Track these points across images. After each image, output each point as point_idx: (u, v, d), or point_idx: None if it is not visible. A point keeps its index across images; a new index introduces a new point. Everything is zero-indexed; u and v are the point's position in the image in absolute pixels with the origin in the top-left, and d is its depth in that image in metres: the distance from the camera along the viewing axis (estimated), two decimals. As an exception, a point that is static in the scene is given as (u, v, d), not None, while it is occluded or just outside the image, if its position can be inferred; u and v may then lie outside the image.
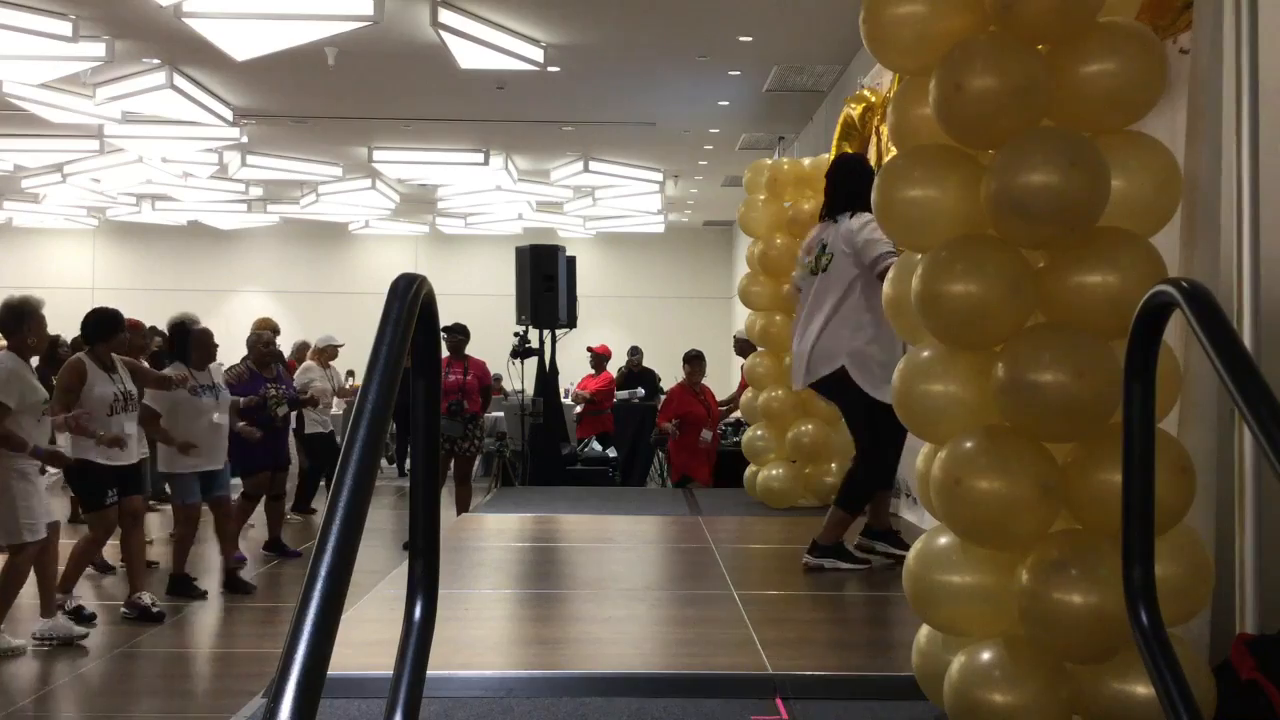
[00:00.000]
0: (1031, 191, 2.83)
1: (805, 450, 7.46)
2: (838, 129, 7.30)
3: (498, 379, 12.95)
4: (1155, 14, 3.34)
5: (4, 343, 6.85)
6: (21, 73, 10.71)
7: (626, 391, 13.55)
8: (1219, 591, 2.97)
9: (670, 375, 12.13)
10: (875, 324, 5.12)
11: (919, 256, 3.08)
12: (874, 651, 4.02)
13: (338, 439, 11.62)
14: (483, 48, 9.68)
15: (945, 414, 3.03)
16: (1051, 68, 2.93)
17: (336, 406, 15.26)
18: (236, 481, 9.06)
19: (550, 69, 10.42)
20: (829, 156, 7.20)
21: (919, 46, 3.10)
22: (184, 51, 10.34)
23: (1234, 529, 3.11)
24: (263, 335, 9.66)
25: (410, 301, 1.94)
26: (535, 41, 10.03)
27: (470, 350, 10.31)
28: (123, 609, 7.09)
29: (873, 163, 6.79)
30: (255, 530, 10.54)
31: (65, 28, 9.37)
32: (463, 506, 9.48)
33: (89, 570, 7.98)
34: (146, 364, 8.17)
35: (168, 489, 8.58)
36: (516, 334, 11.12)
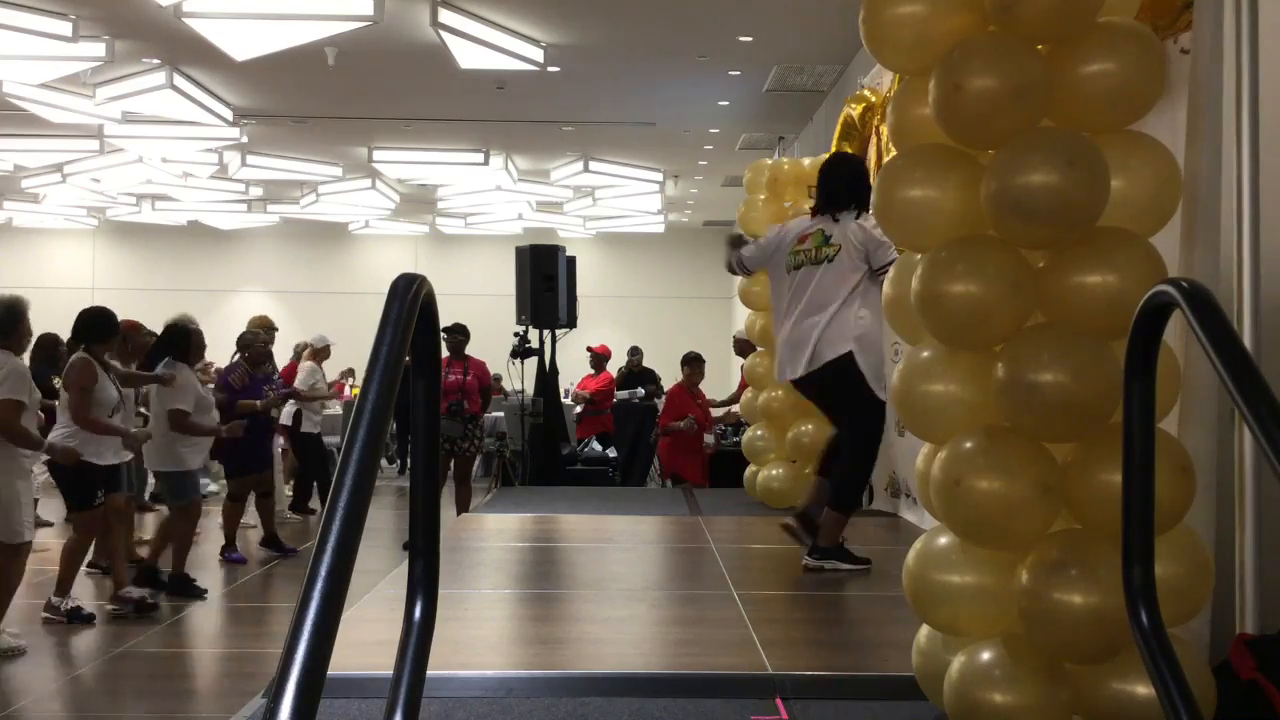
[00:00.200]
0: (1031, 191, 2.83)
1: (805, 450, 7.45)
2: (838, 129, 7.30)
3: (497, 379, 12.95)
4: (1155, 14, 3.34)
5: None
6: (21, 73, 10.71)
7: (626, 391, 13.55)
8: (1219, 591, 2.97)
9: (670, 376, 12.13)
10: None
11: (919, 256, 3.08)
12: (874, 651, 4.02)
13: (324, 440, 11.68)
14: (483, 48, 9.68)
15: (945, 414, 3.03)
16: (1051, 68, 2.93)
17: (335, 407, 15.28)
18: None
19: (550, 69, 10.41)
20: (829, 157, 7.20)
21: (918, 47, 3.10)
22: (184, 51, 10.34)
23: (1234, 529, 3.11)
24: (259, 334, 9.68)
25: (410, 301, 1.94)
26: (535, 41, 10.03)
27: (470, 350, 10.31)
28: (110, 606, 7.06)
29: (872, 163, 6.80)
30: (255, 530, 10.54)
31: (65, 28, 9.37)
32: (463, 506, 9.48)
33: (87, 570, 7.99)
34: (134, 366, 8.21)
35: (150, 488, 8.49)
36: (516, 334, 11.12)
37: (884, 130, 6.54)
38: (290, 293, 21.67)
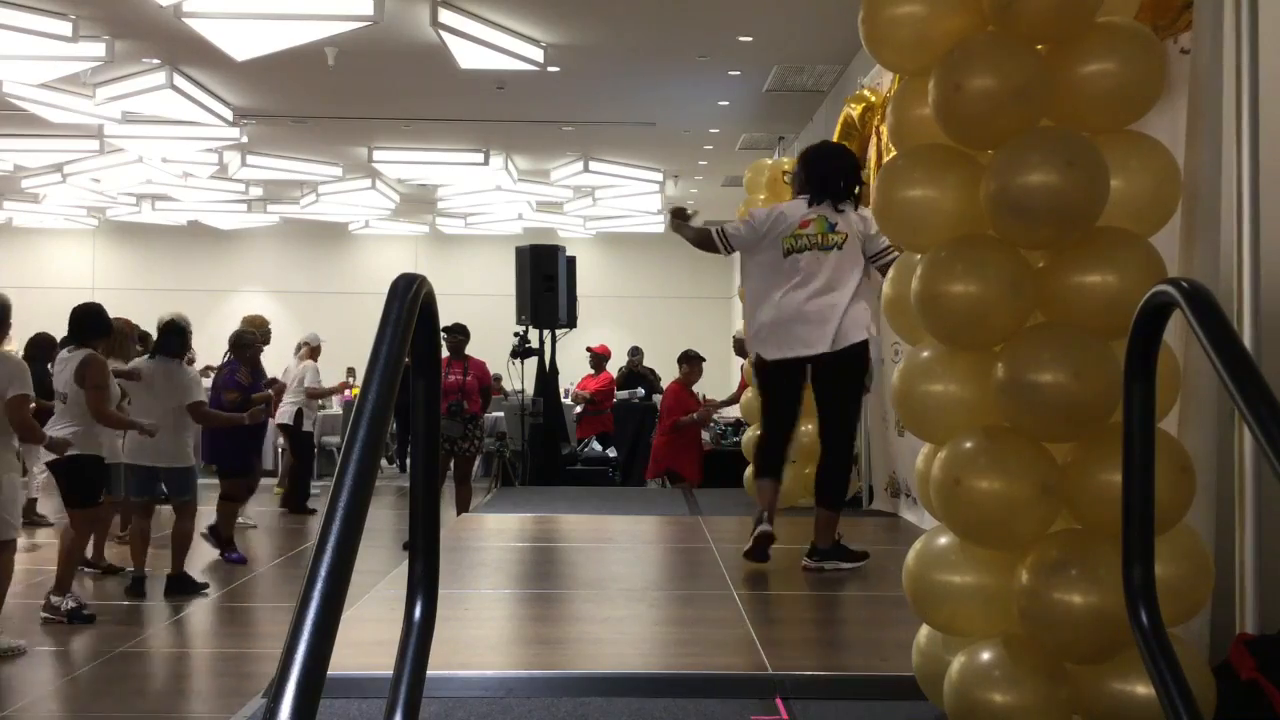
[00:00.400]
0: (1030, 191, 2.83)
1: (805, 450, 7.45)
2: (838, 129, 7.29)
3: (497, 379, 12.97)
4: (1155, 14, 3.34)
5: None
6: (21, 73, 10.70)
7: (626, 391, 13.56)
8: (1219, 591, 2.97)
9: (670, 376, 12.13)
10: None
11: (918, 257, 3.08)
12: (874, 651, 4.02)
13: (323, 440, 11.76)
14: (483, 48, 9.68)
15: (945, 414, 3.03)
16: (1051, 68, 2.93)
17: (335, 406, 15.32)
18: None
19: (550, 69, 10.41)
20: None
21: (918, 47, 3.10)
22: (184, 51, 10.34)
23: (1234, 529, 3.11)
24: (254, 334, 9.70)
25: (410, 301, 1.94)
26: (535, 41, 10.03)
27: (470, 350, 10.32)
28: (45, 613, 6.85)
29: (872, 163, 6.79)
30: (254, 530, 10.55)
31: (65, 28, 9.37)
32: (463, 506, 9.48)
33: (87, 570, 7.99)
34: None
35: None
36: (516, 334, 11.12)
37: (884, 130, 6.54)
38: (290, 293, 21.67)
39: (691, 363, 10.72)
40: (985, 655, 2.87)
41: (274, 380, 11.39)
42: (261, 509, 11.53)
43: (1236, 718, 2.81)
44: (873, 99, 6.91)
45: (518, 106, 12.41)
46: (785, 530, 5.68)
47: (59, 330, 9.44)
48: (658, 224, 20.23)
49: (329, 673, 1.42)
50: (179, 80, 11.09)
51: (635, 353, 15.00)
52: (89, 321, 7.17)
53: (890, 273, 3.38)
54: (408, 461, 11.38)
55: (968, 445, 2.90)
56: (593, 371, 13.72)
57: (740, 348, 9.66)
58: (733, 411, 10.94)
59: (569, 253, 11.32)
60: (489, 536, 6.62)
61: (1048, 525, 2.87)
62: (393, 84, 11.67)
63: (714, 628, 4.35)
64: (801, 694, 3.41)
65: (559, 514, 7.68)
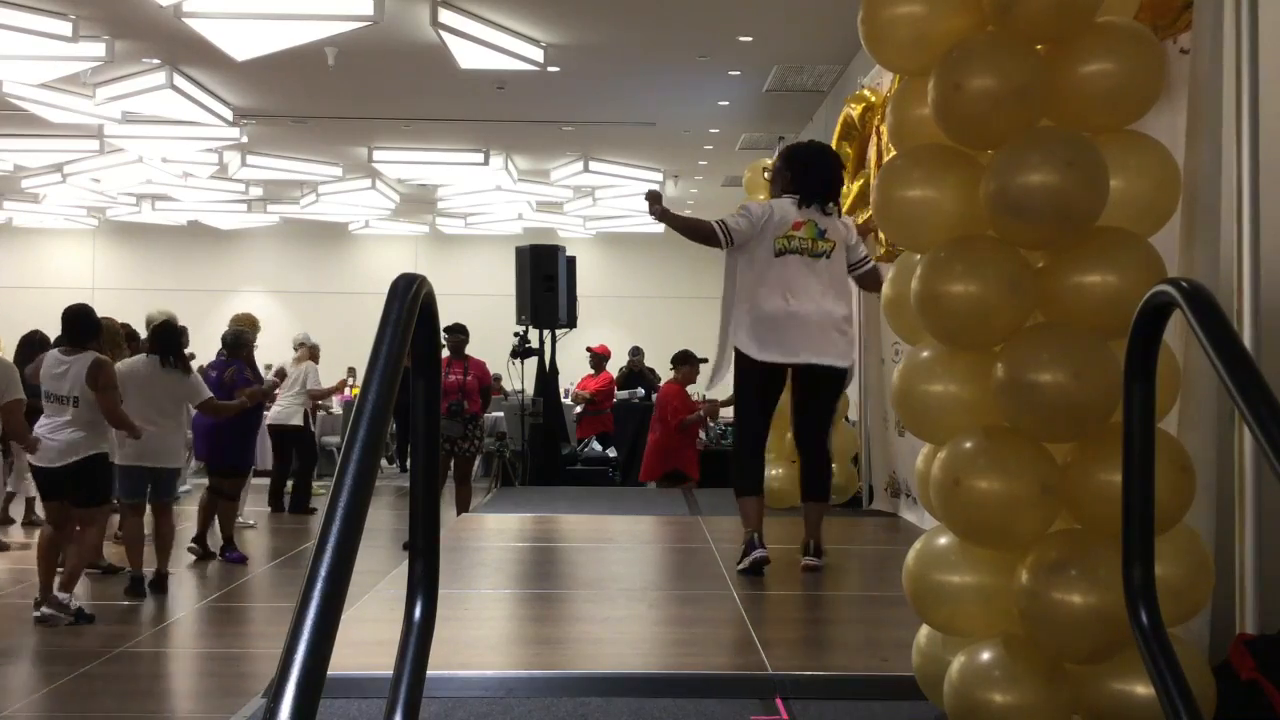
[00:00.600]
0: (1030, 191, 2.83)
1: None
2: (838, 129, 7.29)
3: (497, 379, 12.98)
4: (1155, 14, 3.34)
5: None
6: (21, 73, 10.72)
7: (626, 391, 13.56)
8: (1219, 591, 2.97)
9: (670, 376, 12.12)
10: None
11: (918, 257, 3.08)
12: (874, 651, 4.02)
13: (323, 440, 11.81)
14: (483, 48, 9.68)
15: (945, 414, 3.03)
16: (1050, 68, 2.93)
17: (335, 406, 15.33)
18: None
19: (550, 69, 10.42)
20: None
21: (917, 47, 3.10)
22: (184, 51, 10.35)
23: (1234, 529, 3.11)
24: (249, 334, 9.71)
25: (410, 301, 1.94)
26: (535, 41, 10.03)
27: (470, 350, 10.32)
28: (47, 610, 6.79)
29: (872, 163, 6.79)
30: (252, 530, 10.55)
31: (65, 28, 9.37)
32: (463, 506, 9.48)
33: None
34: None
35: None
36: (516, 334, 11.13)
37: (884, 130, 6.54)
38: (290, 293, 21.68)
39: (690, 364, 10.72)
40: (985, 655, 2.87)
41: (281, 370, 11.45)
42: (261, 509, 11.54)
43: (1236, 718, 2.81)
44: (873, 99, 6.91)
45: (518, 106, 12.41)
46: (785, 530, 5.68)
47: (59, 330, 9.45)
48: (658, 224, 20.24)
49: (329, 673, 1.42)
50: (179, 80, 11.10)
51: (636, 353, 15.00)
52: (83, 323, 7.17)
53: (890, 273, 3.38)
54: (408, 461, 11.40)
55: (968, 445, 2.90)
56: (593, 371, 13.72)
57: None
58: (730, 411, 10.95)
59: (569, 253, 11.32)
60: (489, 536, 6.62)
61: (1048, 525, 2.87)
62: (393, 84, 11.68)
63: (714, 628, 4.35)
64: (801, 694, 3.41)
65: (559, 514, 7.68)
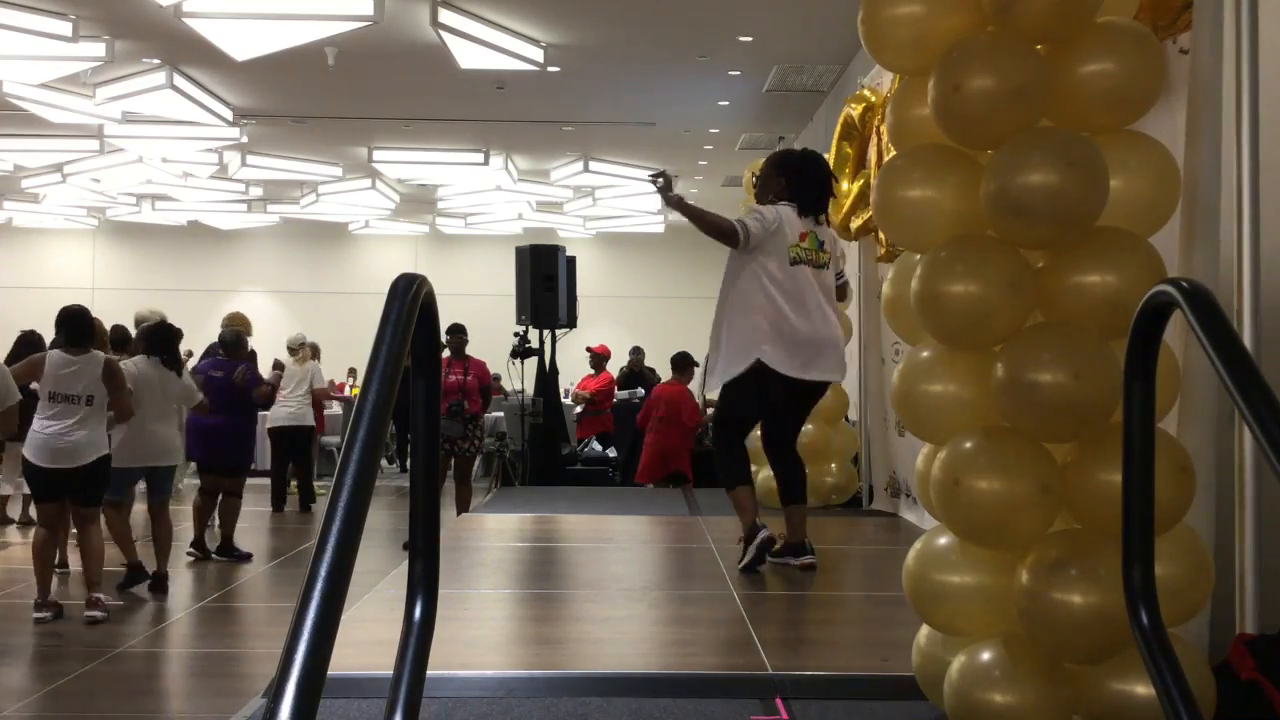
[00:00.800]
0: (1030, 191, 2.83)
1: (805, 450, 7.43)
2: (838, 129, 7.29)
3: (497, 379, 12.98)
4: (1155, 14, 3.34)
5: None
6: (21, 73, 10.71)
7: (626, 391, 13.56)
8: (1219, 591, 2.97)
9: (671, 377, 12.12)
10: None
11: (918, 257, 3.08)
12: (874, 651, 4.02)
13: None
14: (483, 48, 9.68)
15: (945, 414, 3.03)
16: (1050, 68, 2.93)
17: (335, 406, 15.35)
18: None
19: (550, 69, 10.42)
20: (829, 156, 7.19)
21: (917, 47, 3.10)
22: (184, 51, 10.34)
23: (1234, 529, 3.11)
24: (242, 334, 9.73)
25: (410, 301, 1.94)
26: (535, 41, 10.03)
27: (470, 350, 10.32)
28: (93, 613, 6.82)
29: (872, 163, 6.79)
30: (253, 532, 10.55)
31: (65, 28, 9.37)
32: (463, 506, 9.48)
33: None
34: None
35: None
36: (516, 334, 11.13)
37: (884, 130, 6.54)
38: (290, 293, 21.68)
39: (692, 366, 10.75)
40: (985, 655, 2.87)
41: (279, 364, 11.49)
42: (260, 509, 11.54)
43: (1236, 718, 2.81)
44: (873, 99, 6.91)
45: (518, 106, 12.41)
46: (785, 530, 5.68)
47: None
48: (658, 224, 20.22)
49: (329, 673, 1.42)
50: (179, 80, 11.10)
51: (636, 352, 15.00)
52: (85, 324, 7.19)
53: (890, 273, 3.39)
54: (408, 461, 11.42)
55: (968, 445, 2.90)
56: (593, 371, 13.72)
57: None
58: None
59: (569, 253, 11.32)
60: (489, 536, 6.62)
61: (1048, 525, 2.87)
62: (393, 84, 11.68)
63: (714, 628, 4.35)
64: (801, 694, 3.41)
65: (559, 514, 7.68)
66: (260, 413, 10.70)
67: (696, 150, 14.89)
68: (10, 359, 8.27)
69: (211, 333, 9.93)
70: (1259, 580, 3.06)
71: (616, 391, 13.59)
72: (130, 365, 7.74)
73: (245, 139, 14.00)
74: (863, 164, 6.99)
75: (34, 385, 7.20)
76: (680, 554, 6.28)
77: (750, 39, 9.95)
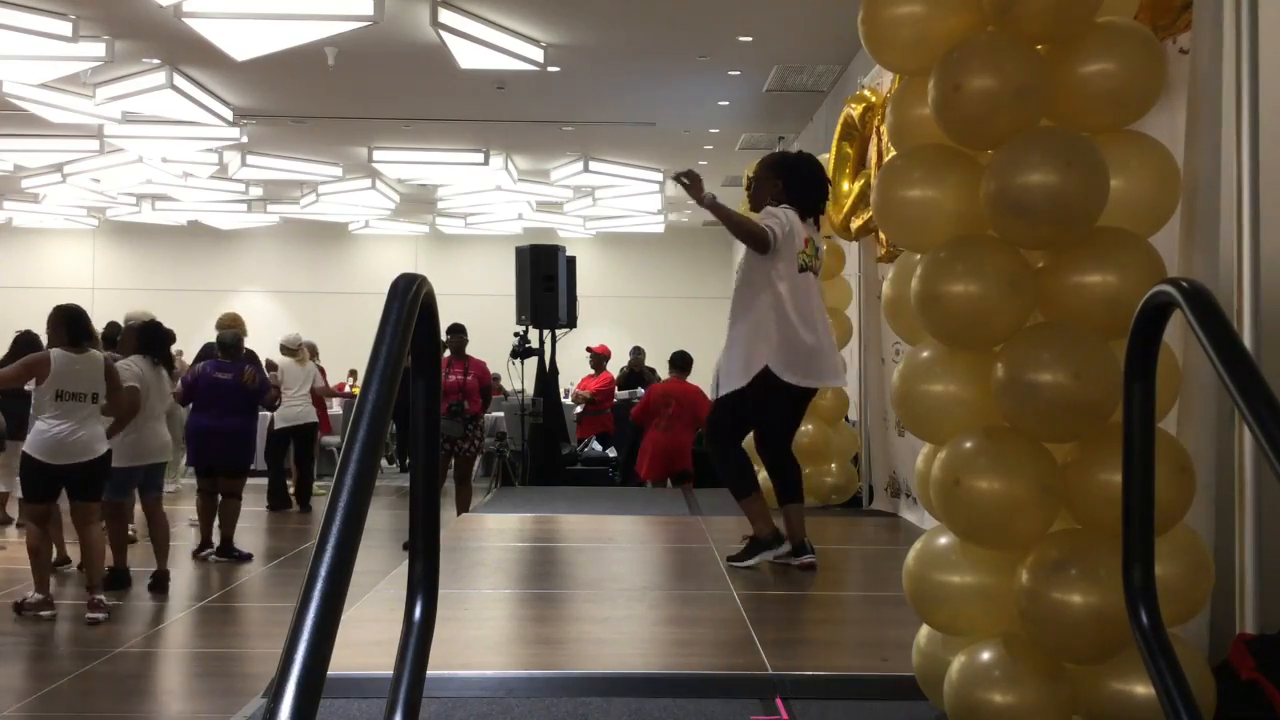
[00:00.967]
0: (1030, 191, 2.83)
1: (805, 450, 7.45)
2: (838, 129, 7.29)
3: (497, 379, 12.99)
4: (1155, 14, 3.34)
5: None
6: (21, 73, 10.71)
7: (627, 391, 13.55)
8: (1219, 591, 2.97)
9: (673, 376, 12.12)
10: None
11: (918, 257, 3.08)
12: (874, 651, 4.02)
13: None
14: (483, 48, 9.68)
15: (945, 414, 3.03)
16: (1050, 68, 2.93)
17: (334, 406, 15.37)
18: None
19: (550, 69, 10.42)
20: (829, 156, 7.20)
21: (917, 47, 3.10)
22: (184, 51, 10.35)
23: (1234, 529, 3.11)
24: (238, 334, 9.75)
25: (410, 301, 1.94)
26: (535, 41, 10.03)
27: (470, 350, 10.32)
28: (99, 615, 6.84)
29: (873, 163, 6.79)
30: (253, 533, 10.55)
31: (65, 28, 9.37)
32: (463, 507, 9.48)
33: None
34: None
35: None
36: (516, 334, 11.13)
37: (884, 130, 6.54)
38: (290, 293, 21.68)
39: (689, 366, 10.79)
40: (985, 655, 2.87)
41: (272, 366, 11.52)
42: (260, 509, 11.54)
43: (1236, 718, 2.81)
44: (873, 99, 6.91)
45: (518, 106, 12.41)
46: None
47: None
48: (658, 224, 20.23)
49: (329, 673, 1.42)
50: (179, 80, 11.10)
51: (637, 352, 14.99)
52: (86, 323, 7.25)
53: (890, 273, 3.39)
54: (408, 461, 11.41)
55: (968, 445, 2.90)
56: (593, 371, 13.72)
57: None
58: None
59: (569, 253, 11.32)
60: (489, 536, 6.62)
61: (1048, 525, 2.87)
62: (393, 84, 11.68)
63: (714, 628, 4.35)
64: (801, 694, 3.41)
65: (559, 514, 7.68)
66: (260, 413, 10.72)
67: (696, 150, 14.89)
68: (7, 359, 8.29)
69: (211, 333, 9.92)
70: (1259, 580, 3.06)
71: (617, 391, 13.58)
72: (132, 365, 7.77)
73: (245, 139, 14.00)
74: (863, 164, 6.99)
75: (28, 386, 7.23)
76: (680, 554, 6.28)
77: (750, 39, 9.95)
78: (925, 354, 3.11)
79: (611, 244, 21.62)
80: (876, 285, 6.97)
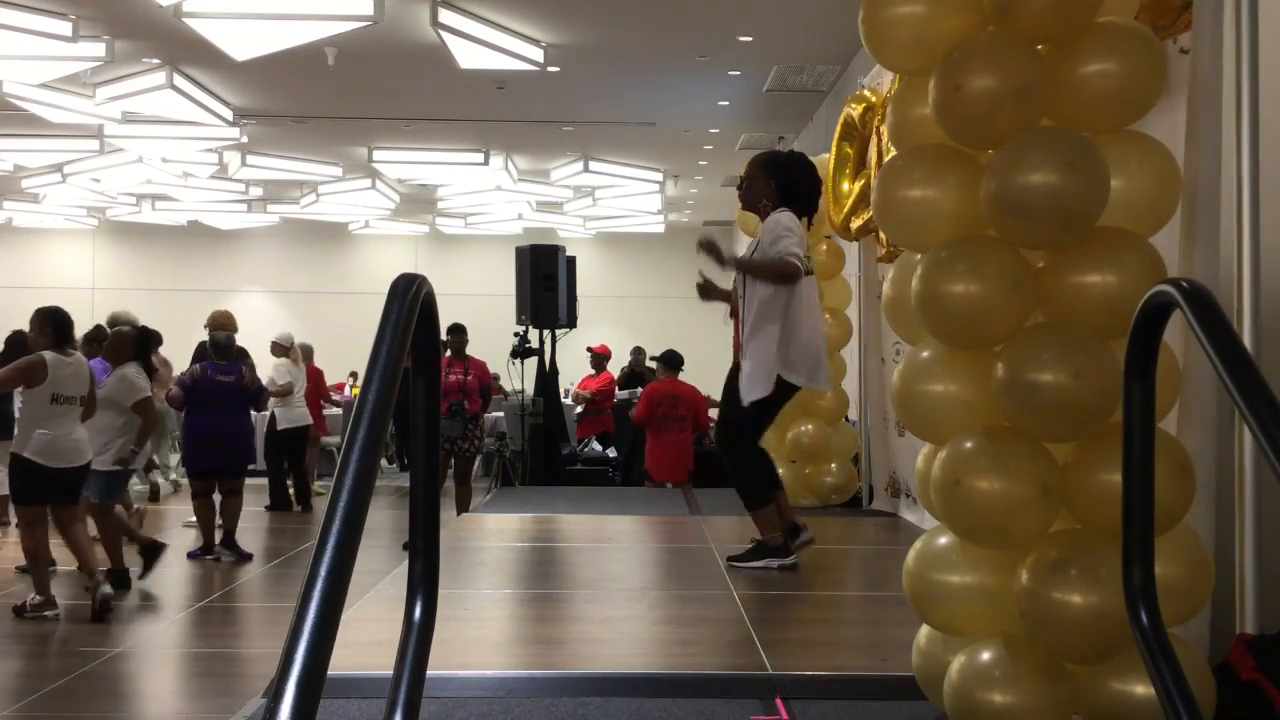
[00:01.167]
0: (1030, 191, 2.83)
1: (805, 450, 7.46)
2: (838, 129, 7.29)
3: (497, 379, 13.00)
4: (1155, 14, 3.34)
5: None
6: (21, 73, 10.71)
7: (627, 391, 13.55)
8: (1219, 591, 2.97)
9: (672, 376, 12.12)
10: None
11: (919, 256, 3.08)
12: (874, 651, 4.02)
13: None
14: (483, 48, 9.68)
15: (945, 414, 3.03)
16: (1051, 68, 2.93)
17: (335, 406, 15.37)
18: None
19: (550, 69, 10.42)
20: (829, 156, 7.20)
21: (918, 47, 3.10)
22: (184, 51, 10.34)
23: (1234, 529, 3.11)
24: (232, 334, 9.77)
25: (410, 301, 1.94)
26: (535, 41, 10.03)
27: (470, 350, 10.32)
28: (108, 589, 6.96)
29: (873, 163, 6.79)
30: (253, 533, 10.54)
31: (65, 28, 9.37)
32: (463, 507, 9.48)
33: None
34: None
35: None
36: (516, 334, 11.13)
37: (884, 130, 6.54)
38: (290, 293, 21.68)
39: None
40: (985, 655, 2.87)
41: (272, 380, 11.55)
42: (259, 509, 11.54)
43: (1236, 718, 2.81)
44: (873, 99, 6.91)
45: (518, 106, 12.41)
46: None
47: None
48: (658, 224, 20.23)
49: (329, 673, 1.42)
50: (179, 80, 11.10)
51: (638, 353, 14.99)
52: (70, 325, 7.29)
53: (890, 273, 3.39)
54: (406, 461, 11.42)
55: (968, 445, 2.90)
56: (593, 371, 13.72)
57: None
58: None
59: (569, 253, 11.32)
60: (489, 536, 6.62)
61: (1048, 525, 2.87)
62: (393, 84, 11.68)
63: (714, 628, 4.35)
64: (801, 694, 3.41)
65: (559, 514, 7.68)
66: (258, 413, 10.74)
67: (696, 150, 14.89)
68: (2, 360, 8.30)
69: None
70: (1259, 580, 3.05)
71: (617, 391, 13.58)
72: (141, 375, 7.88)
73: (245, 139, 14.00)
74: (863, 164, 6.99)
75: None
76: (680, 554, 6.28)
77: (750, 39, 9.95)
78: (925, 354, 3.11)
79: (611, 244, 21.62)
80: (876, 285, 6.97)
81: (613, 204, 18.08)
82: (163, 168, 15.32)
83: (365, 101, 12.48)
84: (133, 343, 8.14)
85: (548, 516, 7.56)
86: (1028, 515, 2.84)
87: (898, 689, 3.36)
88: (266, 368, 12.55)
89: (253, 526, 10.58)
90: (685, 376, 10.82)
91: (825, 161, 7.24)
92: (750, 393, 5.19)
